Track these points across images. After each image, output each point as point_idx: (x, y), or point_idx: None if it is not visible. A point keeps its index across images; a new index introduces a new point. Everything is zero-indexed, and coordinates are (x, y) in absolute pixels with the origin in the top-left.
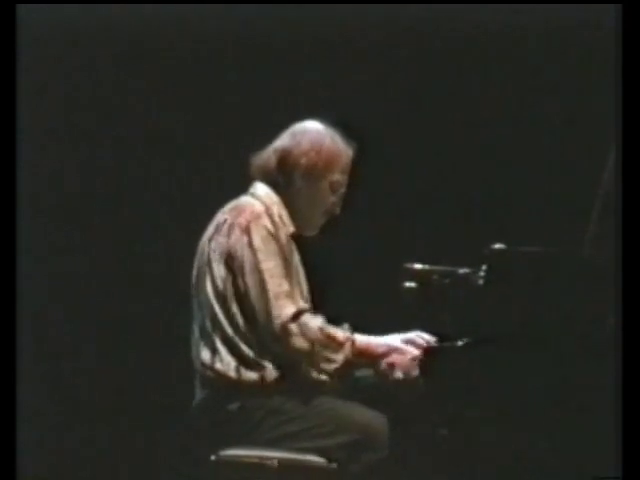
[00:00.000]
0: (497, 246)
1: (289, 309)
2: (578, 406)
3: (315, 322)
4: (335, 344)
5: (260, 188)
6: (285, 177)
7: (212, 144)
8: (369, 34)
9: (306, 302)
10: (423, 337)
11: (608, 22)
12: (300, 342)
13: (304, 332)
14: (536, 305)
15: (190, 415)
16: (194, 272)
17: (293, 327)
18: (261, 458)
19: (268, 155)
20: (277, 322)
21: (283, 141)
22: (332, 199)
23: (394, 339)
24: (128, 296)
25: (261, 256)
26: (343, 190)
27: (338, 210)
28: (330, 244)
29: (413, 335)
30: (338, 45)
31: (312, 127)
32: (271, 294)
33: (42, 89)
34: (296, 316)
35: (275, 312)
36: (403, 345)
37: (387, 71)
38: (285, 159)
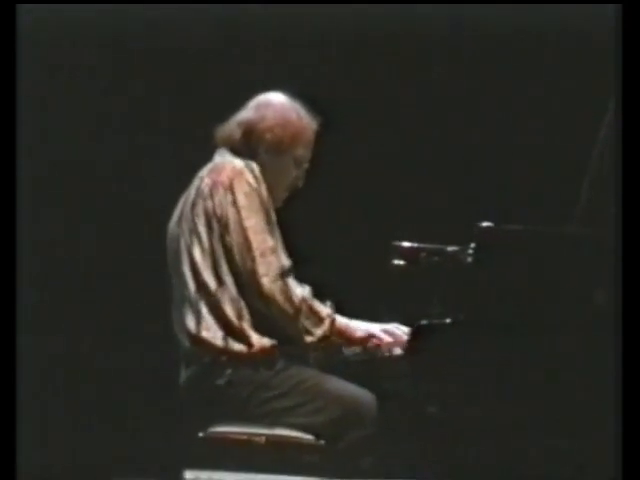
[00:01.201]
0: (485, 224)
1: (275, 266)
2: (568, 382)
3: (300, 291)
4: (316, 318)
5: (228, 154)
6: (249, 150)
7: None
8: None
9: (287, 257)
10: (400, 329)
11: (608, 22)
12: (286, 304)
13: (290, 296)
14: (524, 282)
15: (178, 394)
16: (171, 245)
17: (280, 285)
18: (249, 435)
19: (232, 127)
20: (264, 279)
21: (247, 114)
22: (296, 173)
23: (373, 327)
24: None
25: (244, 213)
26: (307, 165)
27: (301, 184)
28: (319, 222)
29: (391, 327)
30: (307, 21)
31: (276, 100)
32: (257, 252)
33: (42, 89)
34: (283, 274)
35: (262, 269)
36: (381, 333)
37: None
38: (250, 133)
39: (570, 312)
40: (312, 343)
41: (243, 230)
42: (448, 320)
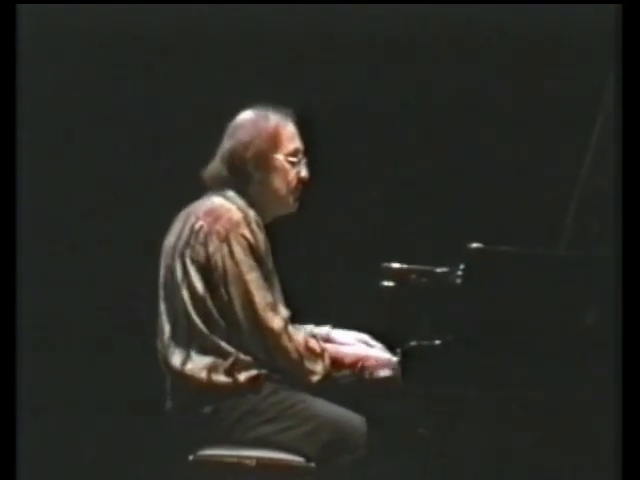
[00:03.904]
0: (474, 245)
1: (278, 321)
2: (559, 402)
3: (300, 335)
4: (314, 356)
5: (227, 191)
6: (241, 177)
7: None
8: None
9: (284, 306)
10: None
11: (608, 22)
12: (291, 354)
13: (294, 346)
14: (513, 304)
15: (164, 418)
16: (163, 272)
17: (284, 338)
18: (239, 457)
19: (216, 166)
20: (268, 334)
21: (224, 146)
22: (296, 169)
23: (359, 348)
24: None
25: (244, 267)
26: (302, 156)
27: (307, 175)
28: (308, 242)
29: (377, 347)
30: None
31: (243, 118)
32: (259, 306)
33: (42, 89)
34: (285, 326)
35: (264, 324)
36: (370, 352)
37: (374, 65)
38: (233, 162)
39: (560, 333)
40: (318, 382)
41: (244, 284)
42: (437, 341)
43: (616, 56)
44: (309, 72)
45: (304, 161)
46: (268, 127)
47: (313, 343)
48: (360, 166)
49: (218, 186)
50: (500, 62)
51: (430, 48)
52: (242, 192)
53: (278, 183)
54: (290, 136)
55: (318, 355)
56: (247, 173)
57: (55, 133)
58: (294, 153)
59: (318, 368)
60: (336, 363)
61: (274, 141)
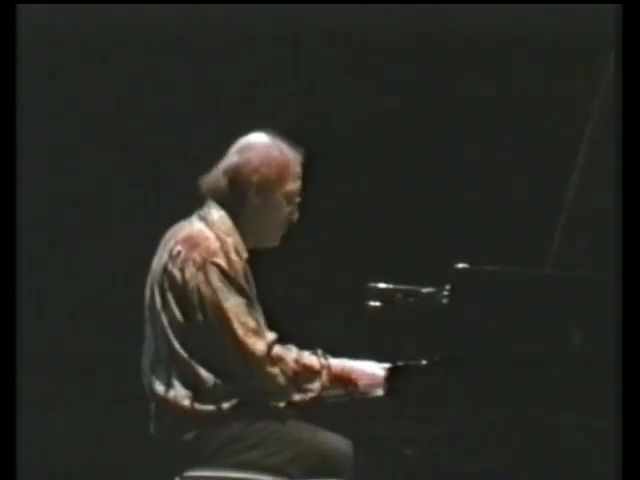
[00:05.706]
0: (461, 265)
1: (261, 345)
2: (544, 422)
3: (290, 354)
4: (311, 374)
5: (214, 211)
6: (239, 196)
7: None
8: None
9: (268, 329)
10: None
11: (608, 22)
12: (278, 376)
13: (280, 366)
14: (499, 324)
15: (148, 441)
16: (148, 293)
17: (269, 362)
18: (226, 479)
19: (218, 176)
20: (252, 359)
21: (231, 160)
22: (288, 208)
23: (367, 365)
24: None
25: (221, 295)
26: (298, 198)
27: (295, 217)
28: (294, 263)
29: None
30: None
31: (258, 141)
32: (240, 332)
33: (42, 89)
34: (269, 350)
35: (247, 350)
36: (376, 370)
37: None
38: (236, 179)
39: (546, 353)
40: (312, 399)
41: (222, 311)
42: (424, 361)
43: (616, 56)
44: (301, 85)
45: (298, 201)
46: (279, 160)
47: (311, 360)
48: (347, 186)
49: (213, 197)
50: (500, 63)
51: (429, 49)
52: (234, 212)
53: (272, 216)
54: (296, 176)
55: (316, 372)
56: (246, 195)
57: (55, 133)
58: (294, 194)
59: (315, 386)
60: (341, 379)
61: (281, 176)
